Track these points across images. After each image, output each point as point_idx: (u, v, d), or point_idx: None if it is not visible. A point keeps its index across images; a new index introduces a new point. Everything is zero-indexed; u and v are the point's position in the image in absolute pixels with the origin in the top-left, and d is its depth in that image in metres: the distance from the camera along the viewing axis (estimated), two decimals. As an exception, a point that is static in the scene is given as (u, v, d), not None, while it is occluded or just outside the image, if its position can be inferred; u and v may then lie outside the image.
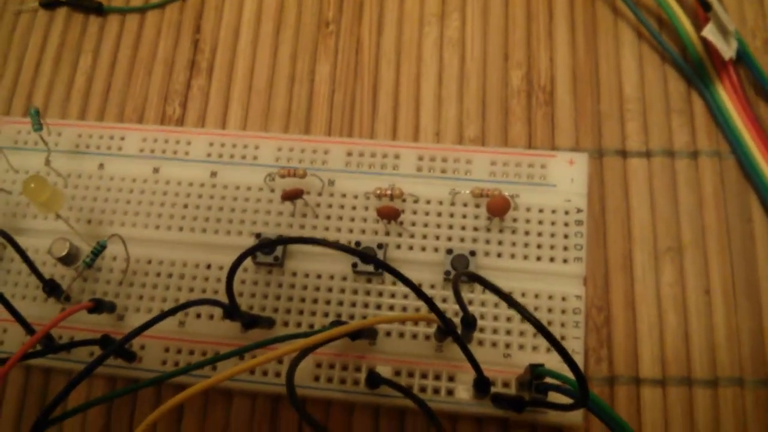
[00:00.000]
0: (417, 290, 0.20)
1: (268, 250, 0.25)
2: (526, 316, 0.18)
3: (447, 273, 0.25)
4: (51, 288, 0.25)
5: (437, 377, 0.24)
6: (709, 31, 0.26)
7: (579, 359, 0.24)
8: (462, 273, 0.19)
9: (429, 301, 0.20)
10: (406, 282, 0.20)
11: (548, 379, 0.21)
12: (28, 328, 0.23)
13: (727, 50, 0.26)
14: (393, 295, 0.25)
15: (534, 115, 0.28)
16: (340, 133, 0.28)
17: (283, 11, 0.31)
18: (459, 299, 0.21)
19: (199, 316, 0.26)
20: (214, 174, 0.27)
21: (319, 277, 0.26)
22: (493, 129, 0.28)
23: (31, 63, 0.31)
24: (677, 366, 0.25)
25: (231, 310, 0.23)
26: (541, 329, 0.17)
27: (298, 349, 0.19)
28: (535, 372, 0.21)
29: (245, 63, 0.30)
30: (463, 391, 0.24)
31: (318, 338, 0.19)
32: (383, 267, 0.19)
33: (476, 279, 0.19)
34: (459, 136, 0.28)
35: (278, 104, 0.29)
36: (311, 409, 0.25)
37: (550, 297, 0.25)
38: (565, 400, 0.20)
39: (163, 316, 0.21)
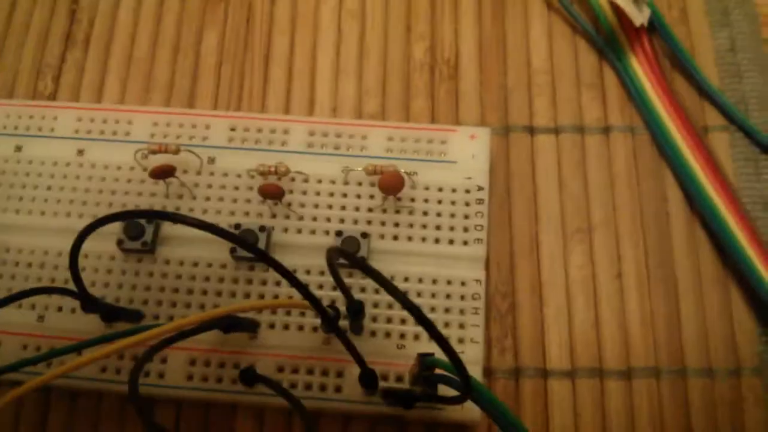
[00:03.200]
0: (287, 274, 0.18)
1: (137, 233, 0.23)
2: (386, 286, 0.15)
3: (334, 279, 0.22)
4: None
5: (324, 373, 0.22)
6: (619, -4, 0.24)
7: (479, 349, 0.22)
8: (333, 249, 0.17)
9: (302, 288, 0.18)
10: (274, 264, 0.17)
11: (438, 371, 0.19)
12: None
13: (638, 16, 0.24)
14: (278, 283, 0.23)
15: (437, 91, 0.26)
16: (228, 108, 0.26)
17: (168, -22, 0.28)
18: (338, 281, 0.18)
19: (60, 309, 0.23)
20: (80, 152, 0.24)
21: (195, 264, 0.23)
22: (393, 105, 0.26)
23: None
24: (587, 356, 0.23)
25: (84, 300, 0.20)
26: (405, 303, 0.15)
27: (122, 348, 0.16)
28: (425, 362, 0.19)
29: (125, 33, 0.28)
30: (351, 388, 0.21)
31: (154, 332, 0.16)
32: (241, 245, 0.17)
33: (344, 255, 0.17)
34: (357, 112, 0.26)
35: (160, 77, 0.27)
36: (188, 412, 0.23)
37: (449, 282, 0.23)
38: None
39: (4, 302, 0.18)
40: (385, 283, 0.15)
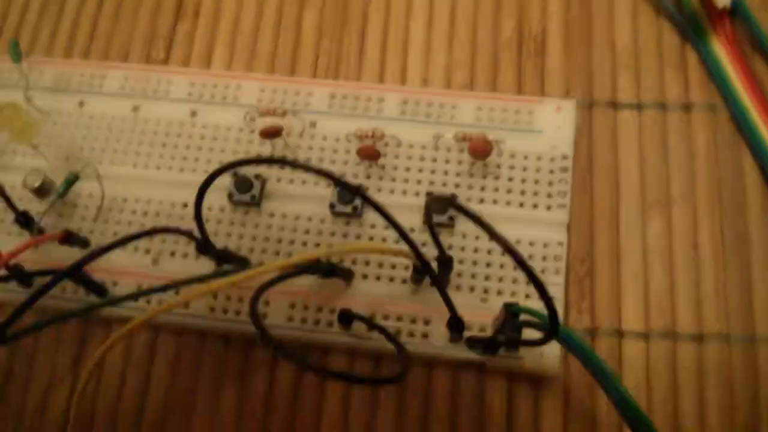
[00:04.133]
0: (393, 222, 0.19)
1: (245, 187, 0.25)
2: (496, 237, 0.17)
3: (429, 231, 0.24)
4: (24, 220, 0.24)
5: (413, 321, 0.24)
6: (704, -22, 0.25)
7: (559, 307, 0.23)
8: (435, 197, 0.19)
9: (405, 236, 0.20)
10: (383, 213, 0.19)
11: (523, 317, 0.20)
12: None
13: (722, -1, 0.25)
14: (371, 238, 0.25)
15: (524, 65, 0.28)
16: (326, 77, 0.28)
17: (273, -43, 0.30)
18: (432, 231, 0.20)
19: (173, 254, 0.25)
20: (194, 113, 0.27)
21: (296, 218, 0.25)
22: (481, 77, 0.28)
23: (18, 3, 0.31)
24: (661, 320, 0.24)
25: (202, 243, 0.22)
26: (510, 251, 0.17)
27: (234, 282, 0.18)
28: (510, 310, 0.20)
29: (232, 9, 0.30)
30: (437, 336, 0.23)
31: (259, 270, 0.18)
32: (360, 195, 0.19)
33: (449, 202, 0.18)
34: (447, 83, 0.28)
35: (264, 48, 0.29)
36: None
37: (531, 243, 0.24)
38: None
39: (123, 241, 0.21)
40: (486, 227, 0.17)
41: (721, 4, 0.26)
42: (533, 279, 0.16)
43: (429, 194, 0.24)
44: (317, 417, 0.24)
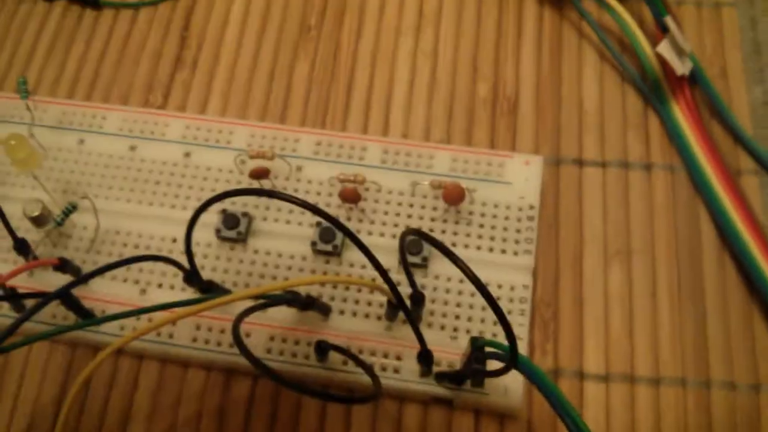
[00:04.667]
0: (370, 256, 0.21)
1: (232, 223, 0.26)
2: (464, 269, 0.18)
3: (403, 266, 0.26)
4: (21, 246, 0.26)
5: (385, 356, 0.25)
6: (664, 48, 0.27)
7: (524, 346, 0.25)
8: (410, 230, 0.20)
9: (381, 269, 0.21)
10: (361, 247, 0.21)
11: (487, 350, 0.22)
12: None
13: (680, 66, 0.27)
14: (349, 275, 0.26)
15: (497, 123, 0.30)
16: (313, 126, 0.30)
17: (269, 15, 0.33)
18: (406, 266, 0.22)
19: (160, 285, 0.26)
20: (187, 155, 0.28)
21: (279, 255, 0.27)
22: (458, 133, 0.30)
23: (26, 48, 0.33)
24: (621, 363, 0.26)
25: (189, 272, 0.24)
26: (475, 282, 0.18)
27: (210, 307, 0.19)
28: (475, 343, 0.22)
29: (228, 59, 0.32)
30: (408, 370, 0.24)
31: (236, 296, 0.20)
32: (342, 230, 0.20)
33: (422, 236, 0.20)
34: (425, 137, 0.29)
35: (256, 98, 0.31)
36: (262, 384, 0.26)
37: (500, 286, 0.26)
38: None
39: (116, 264, 0.22)
40: (449, 254, 0.18)
41: (680, 72, 0.28)
42: (493, 306, 0.18)
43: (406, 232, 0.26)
44: (291, 447, 0.25)
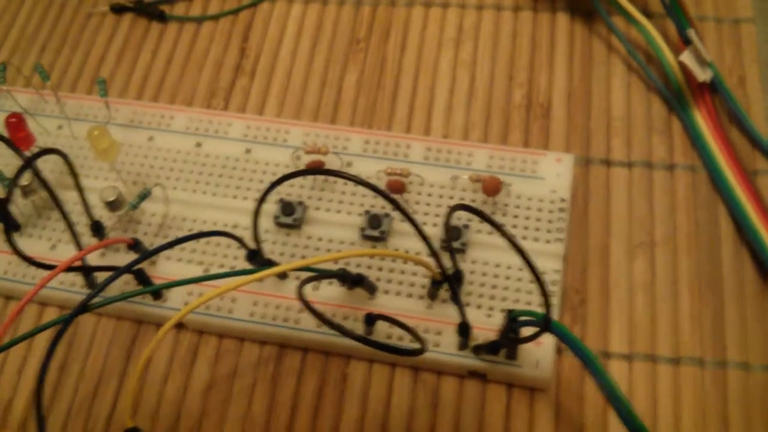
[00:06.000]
0: (421, 232, 0.23)
1: (289, 211, 0.29)
2: (507, 236, 0.21)
3: (443, 241, 0.28)
4: (96, 228, 0.29)
5: (426, 331, 0.27)
6: (686, 57, 0.30)
7: (554, 324, 0.27)
8: (458, 205, 0.23)
9: (431, 246, 0.24)
10: (414, 224, 0.23)
11: (522, 319, 0.24)
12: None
13: (701, 74, 0.30)
14: (394, 260, 0.28)
15: (531, 126, 0.32)
16: (361, 127, 0.33)
17: (321, 29, 0.36)
18: (449, 241, 0.24)
19: (222, 266, 0.29)
20: (248, 151, 0.31)
21: (330, 240, 0.29)
22: (494, 134, 0.32)
23: (96, 57, 0.36)
24: (644, 344, 0.28)
25: (253, 251, 0.26)
26: (515, 246, 0.21)
27: (262, 276, 0.22)
28: (510, 314, 0.24)
29: (284, 69, 0.35)
30: (447, 345, 0.27)
31: (286, 266, 0.22)
32: (397, 207, 0.23)
33: (468, 209, 0.22)
34: (464, 138, 0.32)
35: (309, 103, 0.34)
36: (312, 358, 0.28)
37: (533, 270, 0.28)
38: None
39: (184, 239, 0.25)
40: (499, 228, 0.21)
41: (701, 79, 0.30)
42: (530, 266, 0.20)
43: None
44: (337, 419, 0.27)
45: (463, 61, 0.34)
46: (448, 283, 0.24)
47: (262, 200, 0.24)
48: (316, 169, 0.23)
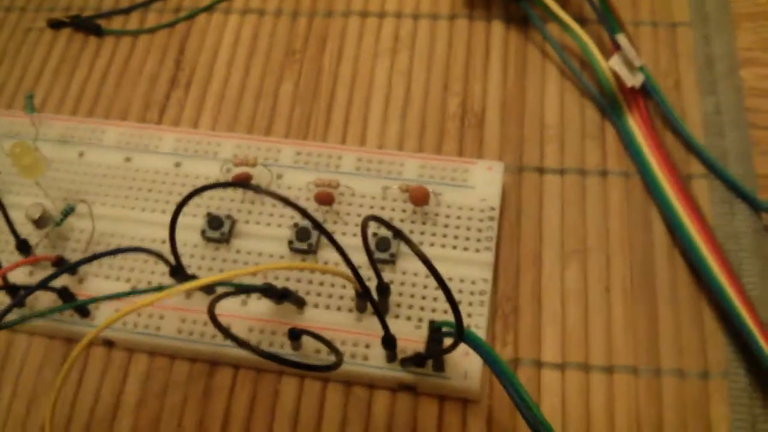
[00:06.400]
0: (342, 252, 0.23)
1: (216, 225, 0.29)
2: (418, 253, 0.21)
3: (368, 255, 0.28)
4: (22, 246, 0.28)
5: (355, 344, 0.27)
6: (615, 62, 0.30)
7: (482, 335, 0.27)
8: (369, 217, 0.22)
9: (347, 259, 0.23)
10: (334, 243, 0.23)
11: (444, 330, 0.24)
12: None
13: (630, 78, 0.30)
14: (323, 274, 0.28)
15: (465, 135, 0.32)
16: (296, 139, 0.32)
17: (257, 40, 0.35)
18: (370, 255, 0.24)
19: (150, 283, 0.29)
20: (178, 164, 0.31)
21: (260, 254, 0.29)
22: (429, 144, 0.32)
23: (34, 71, 0.36)
24: (576, 353, 0.28)
25: (174, 267, 0.26)
26: (426, 262, 0.20)
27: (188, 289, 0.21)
28: (433, 326, 0.24)
29: (219, 81, 0.34)
30: (376, 357, 0.26)
31: (209, 279, 0.22)
32: (318, 227, 0.22)
33: (379, 220, 0.22)
34: (399, 149, 0.32)
35: (244, 115, 0.33)
36: (243, 374, 0.28)
37: (461, 280, 0.28)
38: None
39: (105, 253, 0.25)
40: (413, 248, 0.21)
41: (630, 83, 0.30)
42: (436, 277, 0.20)
43: (374, 234, 0.28)
44: (269, 433, 0.27)
45: (399, 70, 0.34)
46: (367, 297, 0.23)
47: (177, 213, 0.24)
48: (228, 182, 0.22)
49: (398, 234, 0.21)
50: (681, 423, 0.26)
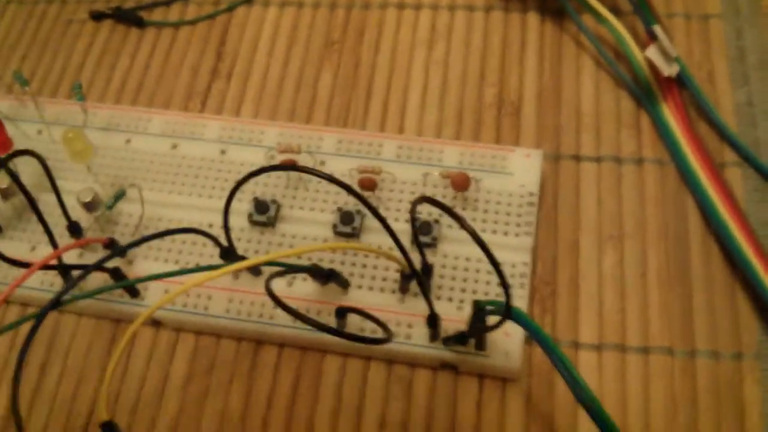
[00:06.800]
0: (392, 233, 0.24)
1: (263, 209, 0.29)
2: (466, 227, 0.21)
3: (413, 237, 0.29)
4: (73, 228, 0.29)
5: (398, 324, 0.28)
6: (651, 52, 0.30)
7: (523, 316, 0.27)
8: (422, 198, 0.23)
9: (396, 239, 0.24)
10: (386, 225, 0.24)
11: (488, 308, 0.24)
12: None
13: (667, 68, 0.30)
14: (366, 256, 0.29)
15: (502, 124, 0.33)
16: (336, 127, 0.33)
17: (296, 31, 0.36)
18: (416, 237, 0.25)
19: (198, 264, 0.29)
20: (223, 152, 0.32)
21: (304, 238, 0.30)
22: (466, 132, 0.33)
23: (77, 62, 0.37)
24: (613, 334, 0.28)
25: (226, 248, 0.27)
26: (475, 237, 0.21)
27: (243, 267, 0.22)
28: (477, 305, 0.24)
29: (260, 72, 0.35)
30: (419, 336, 0.27)
31: (257, 260, 0.23)
32: (363, 201, 0.23)
33: (431, 201, 0.23)
34: (437, 137, 0.33)
35: (285, 104, 0.34)
36: (288, 353, 0.29)
37: (502, 263, 0.28)
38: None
39: (156, 235, 0.26)
40: (458, 219, 0.21)
41: (667, 73, 0.31)
42: (488, 255, 0.21)
43: (415, 219, 0.29)
44: (312, 411, 0.28)
45: (436, 61, 0.35)
46: (415, 276, 0.24)
47: (231, 197, 0.24)
48: (283, 166, 0.23)
49: (450, 213, 0.22)
50: (715, 403, 0.27)
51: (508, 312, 0.22)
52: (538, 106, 0.33)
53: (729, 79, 0.33)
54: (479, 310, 0.24)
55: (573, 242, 0.30)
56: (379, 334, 0.26)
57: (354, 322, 0.27)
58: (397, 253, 0.25)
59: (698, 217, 0.30)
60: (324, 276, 0.27)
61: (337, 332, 0.22)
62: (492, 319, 0.24)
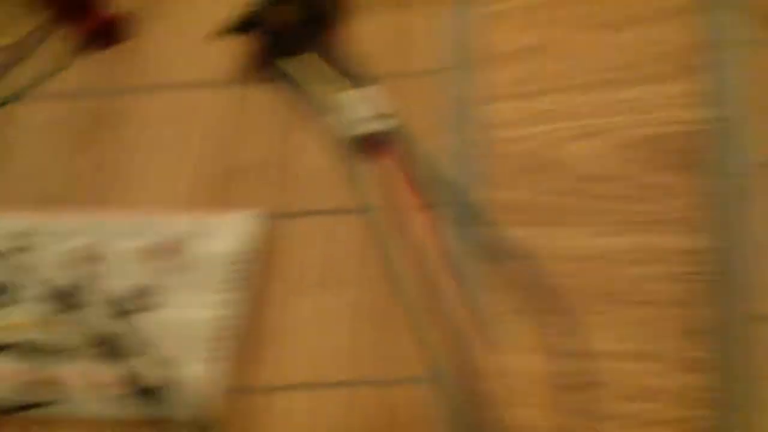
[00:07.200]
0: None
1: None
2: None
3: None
4: None
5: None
6: (362, 110, 0.33)
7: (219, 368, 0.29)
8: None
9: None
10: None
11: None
12: None
13: (379, 125, 0.33)
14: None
15: (229, 191, 0.35)
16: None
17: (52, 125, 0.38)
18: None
19: None
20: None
21: None
22: (198, 203, 0.35)
23: None
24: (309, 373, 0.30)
25: None
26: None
27: None
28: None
29: None
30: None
31: None
32: None
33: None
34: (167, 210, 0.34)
35: None
36: None
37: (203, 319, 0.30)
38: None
39: None
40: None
41: (376, 129, 0.34)
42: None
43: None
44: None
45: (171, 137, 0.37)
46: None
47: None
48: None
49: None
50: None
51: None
52: (263, 171, 0.35)
53: (444, 127, 0.35)
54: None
55: (279, 292, 0.32)
56: None
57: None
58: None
59: (400, 260, 0.32)
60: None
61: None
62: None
